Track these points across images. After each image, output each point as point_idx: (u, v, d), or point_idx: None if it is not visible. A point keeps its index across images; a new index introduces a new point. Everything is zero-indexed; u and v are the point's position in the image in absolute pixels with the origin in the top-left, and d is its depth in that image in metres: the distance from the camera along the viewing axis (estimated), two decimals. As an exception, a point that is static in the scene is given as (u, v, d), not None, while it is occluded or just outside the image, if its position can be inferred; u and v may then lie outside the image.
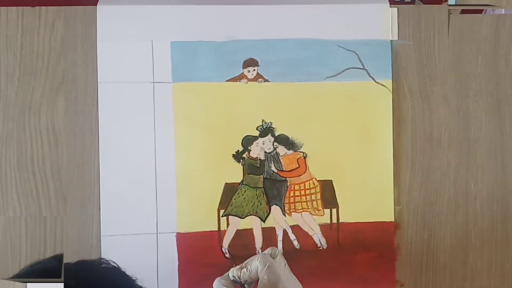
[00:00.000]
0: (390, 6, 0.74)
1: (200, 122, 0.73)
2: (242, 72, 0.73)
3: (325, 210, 0.73)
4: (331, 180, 0.73)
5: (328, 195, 0.73)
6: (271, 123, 0.73)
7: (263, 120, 0.73)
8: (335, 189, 0.73)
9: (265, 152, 0.73)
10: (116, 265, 0.54)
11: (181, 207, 0.72)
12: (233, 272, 0.60)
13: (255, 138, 0.73)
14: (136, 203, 0.72)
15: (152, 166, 0.72)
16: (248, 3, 0.73)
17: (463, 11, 0.75)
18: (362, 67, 0.74)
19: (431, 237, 0.74)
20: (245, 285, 0.61)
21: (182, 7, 0.73)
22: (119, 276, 0.53)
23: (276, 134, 0.73)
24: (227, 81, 0.73)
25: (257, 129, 0.73)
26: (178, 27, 0.73)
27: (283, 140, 0.73)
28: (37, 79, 0.72)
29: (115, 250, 0.71)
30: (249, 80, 0.73)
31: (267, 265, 0.58)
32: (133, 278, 0.54)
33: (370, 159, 0.73)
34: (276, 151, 0.73)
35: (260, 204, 0.73)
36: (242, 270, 0.60)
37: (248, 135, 0.73)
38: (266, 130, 0.73)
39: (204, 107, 0.73)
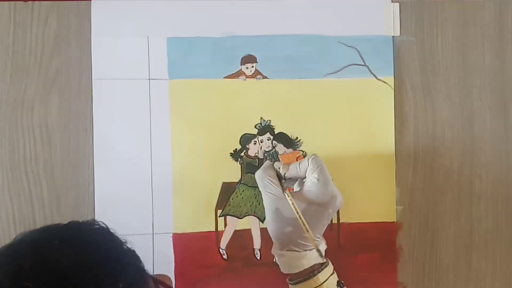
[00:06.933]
0: (392, 1, 0.73)
1: (197, 120, 0.71)
2: (240, 69, 0.71)
3: (325, 210, 0.72)
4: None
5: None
6: (269, 121, 0.72)
7: (261, 118, 0.72)
8: (336, 189, 0.72)
9: (264, 150, 0.72)
10: (106, 226, 0.52)
11: (178, 207, 0.70)
12: (278, 165, 0.62)
13: (254, 136, 0.72)
14: (132, 203, 0.70)
15: (148, 165, 0.70)
16: (246, -3, 0.72)
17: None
18: (363, 63, 0.72)
19: (434, 237, 0.73)
20: (285, 180, 0.62)
21: (178, 1, 0.71)
22: (107, 238, 0.51)
23: (275, 132, 0.72)
24: (224, 78, 0.71)
25: (255, 127, 0.71)
26: (175, 23, 0.71)
27: (282, 138, 0.72)
28: (29, 76, 0.70)
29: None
30: (247, 77, 0.71)
31: (319, 167, 0.60)
32: (123, 241, 0.52)
33: (371, 157, 0.72)
34: (275, 150, 0.72)
35: (259, 204, 0.71)
36: (290, 167, 0.61)
37: (246, 133, 0.71)
38: (264, 128, 0.72)
39: (201, 105, 0.71)
